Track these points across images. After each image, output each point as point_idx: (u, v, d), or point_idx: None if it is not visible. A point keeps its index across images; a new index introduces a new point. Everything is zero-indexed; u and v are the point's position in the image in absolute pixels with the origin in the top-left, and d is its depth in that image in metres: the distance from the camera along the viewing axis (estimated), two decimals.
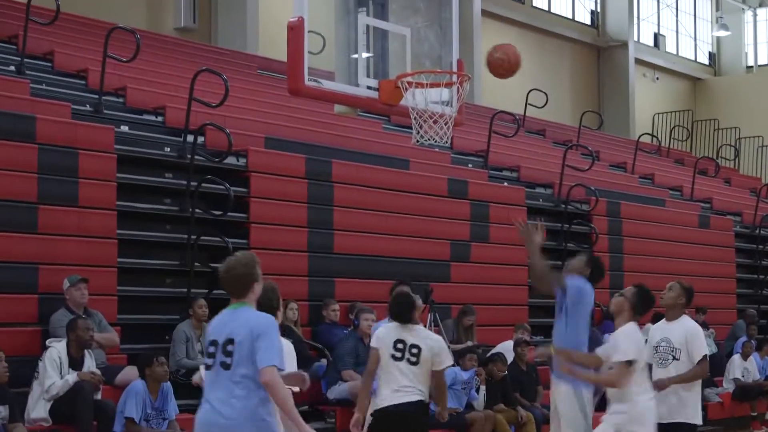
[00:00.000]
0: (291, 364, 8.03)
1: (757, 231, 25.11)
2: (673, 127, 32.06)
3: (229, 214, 14.20)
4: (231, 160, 14.79)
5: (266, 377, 6.83)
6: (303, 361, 13.53)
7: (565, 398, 9.53)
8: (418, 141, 17.94)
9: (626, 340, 9.22)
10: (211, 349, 7.03)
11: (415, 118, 17.54)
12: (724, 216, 24.89)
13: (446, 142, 18.38)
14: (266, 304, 7.84)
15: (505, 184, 19.70)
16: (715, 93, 38.25)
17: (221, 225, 14.25)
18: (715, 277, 22.30)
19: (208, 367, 7.04)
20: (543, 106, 24.82)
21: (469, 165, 20.00)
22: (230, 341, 6.92)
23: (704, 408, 18.66)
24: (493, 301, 17.20)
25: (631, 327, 9.35)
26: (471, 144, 21.18)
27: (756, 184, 29.92)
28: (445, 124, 17.79)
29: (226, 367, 6.93)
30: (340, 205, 15.66)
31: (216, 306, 13.49)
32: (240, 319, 7.00)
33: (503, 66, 10.34)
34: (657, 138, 30.59)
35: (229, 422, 6.86)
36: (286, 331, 13.66)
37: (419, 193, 16.89)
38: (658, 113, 35.21)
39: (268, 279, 14.38)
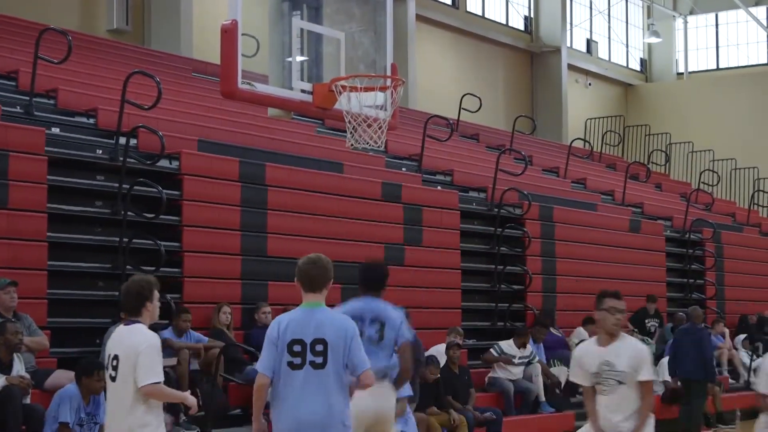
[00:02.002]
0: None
1: (687, 235, 25.37)
2: (605, 133, 32.30)
3: (162, 217, 14.11)
4: (164, 162, 14.68)
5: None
6: (236, 365, 13.50)
7: None
8: (352, 145, 17.91)
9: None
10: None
11: (349, 122, 17.52)
12: (655, 220, 25.12)
13: (380, 146, 18.37)
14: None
15: (439, 187, 19.74)
16: (647, 99, 38.66)
17: (153, 228, 14.14)
18: (646, 281, 22.49)
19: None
20: (477, 111, 24.89)
21: (403, 169, 20.02)
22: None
23: None
24: (426, 304, 17.21)
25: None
26: (405, 148, 21.22)
27: (686, 189, 30.24)
28: (379, 128, 17.78)
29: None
30: (274, 209, 15.60)
31: None
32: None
33: None
34: (589, 143, 30.88)
35: None
36: (218, 335, 13.65)
37: (353, 197, 16.87)
38: (591, 118, 35.50)
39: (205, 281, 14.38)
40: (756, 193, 30.93)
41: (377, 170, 18.53)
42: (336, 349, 7.07)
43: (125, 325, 7.48)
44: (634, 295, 21.33)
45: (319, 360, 7.04)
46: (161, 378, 7.17)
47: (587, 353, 9.20)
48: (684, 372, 18.06)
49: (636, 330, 20.62)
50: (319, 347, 7.04)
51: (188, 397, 7.57)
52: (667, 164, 32.39)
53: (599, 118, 35.56)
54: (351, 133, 18.16)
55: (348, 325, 7.22)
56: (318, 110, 11.66)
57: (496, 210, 19.82)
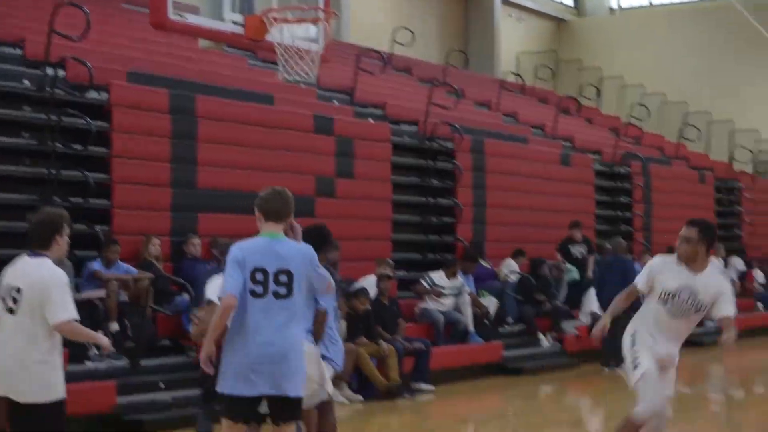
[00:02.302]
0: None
1: (616, 169, 25.63)
2: (537, 67, 32.40)
3: (91, 148, 14.02)
4: (93, 94, 14.55)
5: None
6: (164, 297, 13.53)
7: None
8: (284, 77, 17.87)
9: None
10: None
11: (281, 54, 17.44)
12: (585, 154, 25.29)
13: (312, 79, 18.35)
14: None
15: (371, 120, 19.73)
16: (579, 34, 38.74)
17: (82, 160, 14.03)
18: (575, 212, 22.65)
19: None
20: (410, 44, 24.87)
21: (335, 101, 19.98)
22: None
23: (560, 341, 19.19)
24: (357, 236, 17.27)
25: None
26: (337, 81, 21.15)
27: (616, 123, 30.47)
28: (312, 61, 17.74)
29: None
30: (205, 140, 15.52)
31: (76, 242, 13.38)
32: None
33: None
34: (521, 77, 30.96)
35: None
36: (147, 266, 13.64)
37: (284, 129, 16.82)
38: (523, 53, 35.57)
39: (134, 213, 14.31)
40: (684, 127, 31.24)
41: (309, 103, 18.48)
42: (300, 279, 6.96)
43: (30, 257, 7.07)
44: (563, 227, 21.55)
45: (283, 290, 6.88)
46: (75, 315, 6.95)
47: (671, 270, 9.21)
48: (608, 302, 18.27)
49: (563, 258, 20.88)
50: (283, 278, 6.89)
51: (100, 338, 7.31)
52: (598, 98, 32.59)
53: (531, 52, 35.63)
54: (283, 65, 18.10)
55: (311, 253, 7.11)
56: (250, 42, 11.62)
57: (428, 143, 19.89)
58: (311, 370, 7.89)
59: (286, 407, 6.88)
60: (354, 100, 20.53)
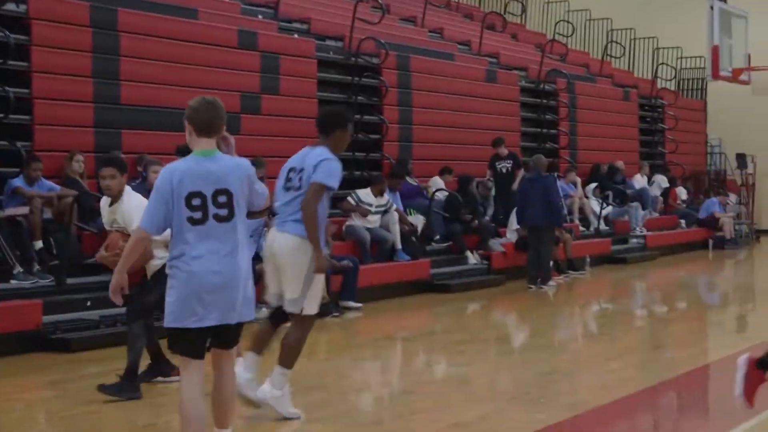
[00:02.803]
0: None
1: (542, 86, 25.72)
2: None
3: (10, 62, 13.78)
4: (10, 6, 14.25)
5: None
6: (89, 214, 13.38)
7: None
8: None
9: None
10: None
11: None
12: (510, 71, 25.33)
13: None
14: None
15: (296, 35, 19.57)
16: None
17: (1, 74, 13.78)
18: (501, 130, 22.74)
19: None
20: None
21: (260, 16, 19.77)
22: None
23: (487, 258, 19.35)
24: (284, 153, 17.03)
25: None
26: None
27: (542, 39, 30.47)
28: None
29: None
30: (128, 55, 15.30)
31: None
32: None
33: None
34: None
35: None
36: (71, 183, 13.48)
37: (208, 44, 16.64)
38: None
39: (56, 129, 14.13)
40: (609, 44, 31.36)
41: (233, 17, 18.26)
42: (240, 197, 6.43)
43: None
44: (489, 145, 21.65)
45: (224, 212, 6.35)
46: None
47: None
48: (530, 219, 18.48)
49: (491, 175, 21.01)
50: (222, 198, 6.35)
51: None
52: (523, 14, 32.59)
53: None
54: None
55: (247, 165, 6.59)
56: None
57: (354, 59, 19.79)
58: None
59: (233, 333, 6.55)
60: (278, 15, 20.33)
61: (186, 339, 6.36)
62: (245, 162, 6.64)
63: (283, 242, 8.09)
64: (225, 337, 6.50)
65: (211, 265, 6.30)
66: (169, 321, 6.37)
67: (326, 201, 8.26)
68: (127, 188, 9.23)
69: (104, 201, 9.32)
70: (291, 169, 8.55)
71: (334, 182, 8.21)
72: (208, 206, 6.32)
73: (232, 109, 16.38)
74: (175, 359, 7.17)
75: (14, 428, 8.36)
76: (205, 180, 6.35)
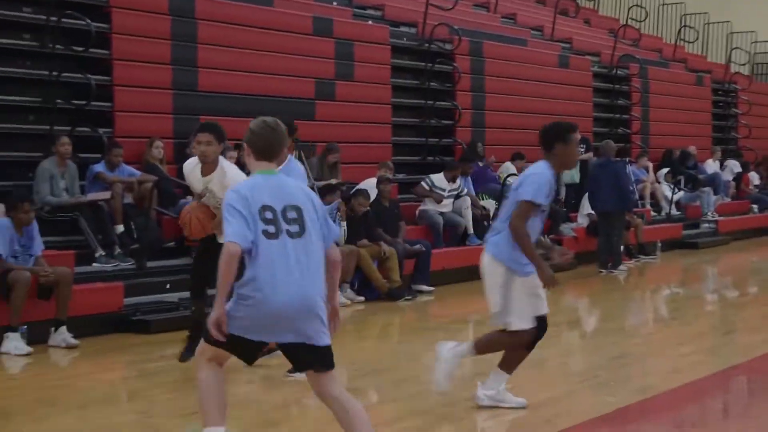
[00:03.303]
0: None
1: (614, 71, 25.60)
2: None
3: (91, 50, 13.98)
4: None
5: None
6: (169, 199, 13.60)
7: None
8: None
9: None
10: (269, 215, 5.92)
11: None
12: (583, 56, 25.24)
13: None
14: None
15: (370, 22, 19.66)
16: None
17: (83, 61, 14.02)
18: (573, 116, 22.56)
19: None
20: None
21: (334, 3, 19.86)
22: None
23: (559, 242, 19.34)
24: (357, 139, 17.33)
25: None
26: None
27: (614, 24, 30.32)
28: None
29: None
30: (205, 42, 15.49)
31: (79, 144, 13.44)
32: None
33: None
34: None
35: None
36: (151, 169, 13.70)
37: (284, 31, 16.77)
38: None
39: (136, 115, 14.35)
40: (683, 29, 31.09)
41: (308, 4, 18.39)
42: (311, 215, 5.94)
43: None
44: None
45: (295, 228, 5.85)
46: None
47: None
48: (601, 204, 18.46)
49: None
50: (292, 214, 5.87)
51: None
52: (596, 0, 32.41)
53: None
54: None
55: (311, 192, 6.15)
56: None
57: (427, 45, 19.85)
58: None
59: (317, 354, 5.91)
60: (353, 2, 20.42)
61: (242, 345, 5.91)
62: (310, 190, 6.24)
63: (482, 261, 8.10)
64: (309, 357, 5.92)
65: (286, 285, 5.78)
66: (232, 327, 5.81)
67: (539, 216, 7.98)
68: (222, 158, 9.22)
69: (190, 165, 9.33)
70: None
71: (541, 197, 7.88)
72: (279, 221, 5.85)
73: (307, 96, 16.66)
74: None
75: (97, 406, 8.56)
76: (274, 195, 5.90)
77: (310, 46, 17.20)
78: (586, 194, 19.67)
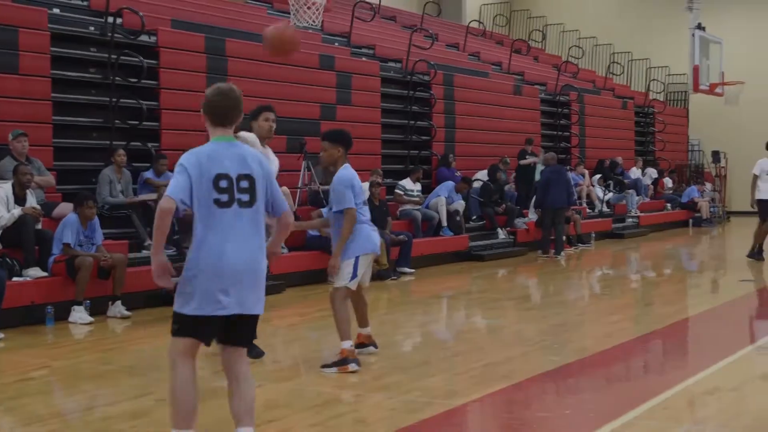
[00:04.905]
0: None
1: (558, 98, 25.53)
2: (496, 16, 32.07)
3: (143, 81, 13.92)
4: (144, 37, 14.39)
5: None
6: None
7: None
8: (295, 24, 17.63)
9: None
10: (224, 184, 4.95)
11: (292, 5, 17.24)
12: (533, 86, 25.17)
13: (317, 25, 18.16)
14: None
15: (364, 59, 19.56)
16: None
17: (137, 90, 13.93)
18: (525, 132, 22.63)
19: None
20: None
21: (336, 43, 19.78)
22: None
23: (513, 234, 19.25)
24: (354, 151, 16.90)
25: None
26: (337, 27, 20.92)
27: (558, 61, 30.23)
28: (317, 10, 17.53)
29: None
30: (233, 75, 15.37)
31: (133, 156, 13.34)
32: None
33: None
34: (483, 24, 30.64)
35: None
36: None
37: (297, 66, 16.65)
38: (485, 4, 35.15)
39: (178, 133, 14.20)
40: (611, 64, 31.07)
41: (315, 44, 18.29)
42: (260, 185, 4.99)
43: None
44: (517, 144, 21.55)
45: (246, 197, 4.92)
46: None
47: None
48: (553, 202, 18.38)
49: (507, 161, 20.89)
50: (244, 183, 4.92)
51: None
52: (543, 41, 32.35)
53: (491, 3, 35.22)
54: (294, 14, 17.88)
55: (265, 160, 5.10)
56: None
57: (409, 77, 19.76)
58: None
59: (248, 327, 5.06)
60: (351, 43, 20.33)
61: (201, 326, 4.94)
62: (265, 158, 5.15)
63: None
64: (240, 330, 5.03)
65: (235, 252, 4.87)
66: (183, 307, 4.94)
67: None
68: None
69: (252, 137, 7.99)
70: None
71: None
72: (234, 190, 4.91)
73: (314, 117, 16.55)
74: None
75: (144, 365, 8.45)
76: (230, 162, 4.94)
77: (317, 77, 17.11)
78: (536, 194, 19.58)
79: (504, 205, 19.49)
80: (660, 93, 32.67)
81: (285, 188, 6.13)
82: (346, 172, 8.10)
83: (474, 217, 18.92)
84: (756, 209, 16.85)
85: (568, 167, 22.98)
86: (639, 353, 9.21)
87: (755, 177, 16.64)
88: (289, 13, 17.56)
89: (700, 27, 27.08)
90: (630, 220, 25.08)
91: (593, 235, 21.61)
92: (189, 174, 4.88)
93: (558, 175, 18.37)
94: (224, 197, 4.88)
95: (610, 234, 23.05)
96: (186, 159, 4.95)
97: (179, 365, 4.99)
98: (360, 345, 8.38)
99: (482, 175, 19.82)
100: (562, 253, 18.44)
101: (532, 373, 7.87)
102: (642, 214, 25.47)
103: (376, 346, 8.50)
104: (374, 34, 22.11)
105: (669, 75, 33.16)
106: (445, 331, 10.79)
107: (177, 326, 4.97)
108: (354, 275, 7.97)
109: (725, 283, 15.19)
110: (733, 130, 32.37)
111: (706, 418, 6.52)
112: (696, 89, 28.08)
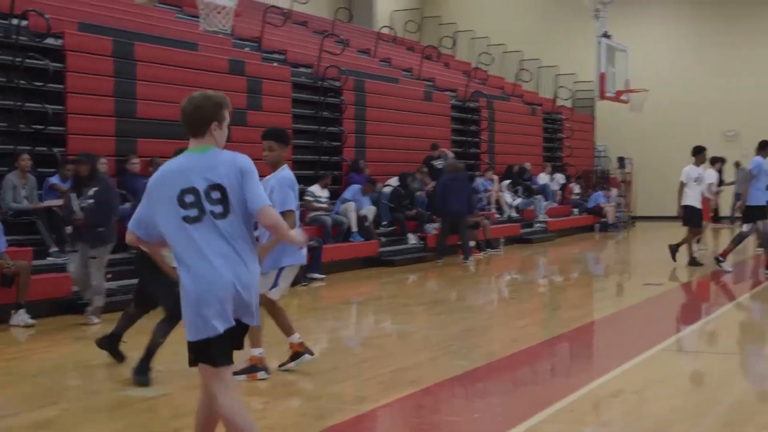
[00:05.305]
0: None
1: (467, 104, 25.78)
2: (407, 22, 32.26)
3: (49, 85, 13.67)
4: (50, 40, 14.10)
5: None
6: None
7: None
8: (204, 28, 17.52)
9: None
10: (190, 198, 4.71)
11: (202, 9, 17.11)
12: (443, 92, 25.36)
13: (227, 30, 18.05)
14: None
15: (275, 64, 19.49)
16: None
17: (43, 94, 13.67)
18: (436, 138, 22.78)
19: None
20: (306, 2, 24.57)
21: (246, 48, 19.67)
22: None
23: (423, 239, 19.39)
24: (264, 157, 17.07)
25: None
26: (248, 31, 20.82)
27: (468, 67, 30.54)
28: (227, 15, 17.42)
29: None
30: (142, 79, 15.20)
31: (38, 161, 13.08)
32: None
33: None
34: (394, 30, 30.78)
35: None
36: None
37: (206, 70, 16.54)
38: (396, 10, 35.30)
39: (85, 138, 13.97)
40: (520, 71, 31.47)
41: (225, 49, 18.15)
42: (234, 193, 4.68)
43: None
44: (425, 150, 21.70)
45: (219, 209, 4.64)
46: None
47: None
48: (453, 208, 18.39)
49: (426, 168, 21.00)
50: (216, 194, 4.65)
51: None
52: (454, 47, 32.61)
53: (402, 10, 35.39)
54: (204, 18, 17.75)
55: (238, 159, 4.76)
56: None
57: (320, 83, 19.75)
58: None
59: (239, 338, 4.85)
60: (261, 48, 20.24)
61: (211, 348, 4.68)
62: (240, 156, 4.82)
63: None
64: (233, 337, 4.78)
65: (214, 269, 4.62)
66: (187, 335, 4.72)
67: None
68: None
69: None
70: None
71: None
72: (203, 202, 4.66)
73: None
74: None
75: (48, 374, 8.31)
76: (194, 175, 4.69)
77: (227, 82, 16.98)
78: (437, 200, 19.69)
79: (415, 210, 19.61)
80: (567, 100, 33.21)
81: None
82: (289, 173, 8.06)
83: (384, 223, 18.99)
84: (680, 216, 17.05)
85: (477, 173, 23.24)
86: (546, 357, 9.34)
87: (682, 184, 16.86)
88: (198, 17, 17.43)
89: (606, 35, 27.60)
90: (538, 225, 25.44)
91: (502, 240, 21.87)
92: (149, 198, 4.79)
93: (457, 182, 18.40)
94: (193, 212, 4.65)
95: (518, 239, 23.34)
96: (152, 179, 4.80)
97: (220, 394, 4.72)
98: (296, 355, 8.21)
99: (394, 181, 19.88)
100: (471, 258, 18.61)
101: (441, 378, 7.93)
102: (550, 219, 25.86)
103: (311, 353, 8.33)
104: (285, 40, 22.06)
105: (576, 82, 33.74)
106: (355, 337, 10.81)
107: (191, 356, 4.73)
108: (275, 284, 7.97)
109: (630, 287, 15.50)
110: (638, 136, 33.13)
111: (610, 420, 6.66)
112: (602, 96, 28.57)
